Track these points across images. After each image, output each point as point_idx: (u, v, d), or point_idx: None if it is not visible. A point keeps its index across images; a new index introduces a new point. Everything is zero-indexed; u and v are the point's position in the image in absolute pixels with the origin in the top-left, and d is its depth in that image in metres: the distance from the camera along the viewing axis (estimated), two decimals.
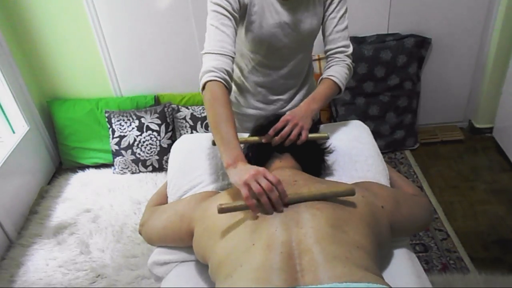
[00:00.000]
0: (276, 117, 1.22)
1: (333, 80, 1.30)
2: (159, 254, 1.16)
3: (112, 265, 2.01)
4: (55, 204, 2.43)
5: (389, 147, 2.64)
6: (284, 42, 1.30)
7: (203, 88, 1.13)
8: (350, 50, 1.34)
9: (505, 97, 2.47)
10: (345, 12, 1.30)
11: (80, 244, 2.14)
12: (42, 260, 2.08)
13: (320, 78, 1.34)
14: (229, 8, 1.16)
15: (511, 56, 2.40)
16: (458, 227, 2.08)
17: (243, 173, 0.93)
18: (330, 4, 1.29)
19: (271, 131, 1.17)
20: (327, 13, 1.30)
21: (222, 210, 0.92)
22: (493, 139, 2.63)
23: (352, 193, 0.94)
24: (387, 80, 2.49)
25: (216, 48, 1.14)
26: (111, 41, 2.51)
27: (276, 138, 1.16)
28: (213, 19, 1.16)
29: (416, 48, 2.46)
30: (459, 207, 2.21)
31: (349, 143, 1.33)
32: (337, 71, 1.31)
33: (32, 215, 2.37)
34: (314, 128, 1.27)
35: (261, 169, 0.93)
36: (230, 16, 1.16)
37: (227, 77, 1.13)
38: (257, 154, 1.18)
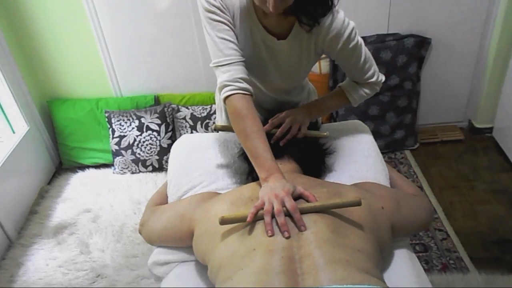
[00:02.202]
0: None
1: (345, 94, 1.27)
2: (159, 254, 1.16)
3: (112, 265, 2.01)
4: (55, 204, 2.43)
5: (389, 147, 2.64)
6: (262, 78, 1.26)
7: (225, 103, 1.12)
8: (374, 78, 1.24)
9: (505, 97, 2.47)
10: (361, 51, 1.18)
11: (80, 244, 2.14)
12: (42, 260, 2.08)
13: (338, 85, 1.30)
14: (221, 12, 1.10)
15: (511, 56, 2.40)
16: (458, 227, 2.08)
17: (266, 190, 0.95)
18: (338, 54, 1.18)
19: (268, 126, 1.16)
20: (339, 61, 1.22)
21: (223, 222, 0.92)
22: (493, 139, 2.63)
23: (358, 203, 0.92)
24: (387, 80, 2.49)
25: (222, 59, 1.10)
26: (111, 41, 2.51)
27: (277, 133, 1.15)
28: (208, 27, 1.11)
29: (416, 48, 2.46)
30: (459, 207, 2.21)
31: (349, 143, 1.33)
32: (355, 87, 1.26)
33: (32, 215, 2.37)
34: (314, 128, 1.27)
35: (281, 193, 0.92)
36: (224, 20, 1.11)
37: (242, 85, 1.09)
38: None
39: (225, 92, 1.09)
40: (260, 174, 1.01)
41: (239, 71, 1.09)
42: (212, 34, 1.11)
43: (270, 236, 0.88)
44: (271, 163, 1.01)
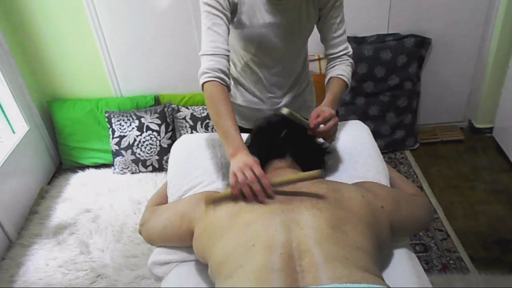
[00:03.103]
0: (276, 118, 1.23)
1: (342, 79, 1.32)
2: (159, 254, 1.16)
3: (112, 265, 2.01)
4: (55, 204, 2.43)
5: (389, 147, 2.64)
6: (274, 42, 1.31)
7: (203, 89, 1.19)
8: (350, 50, 1.36)
9: (505, 97, 2.47)
10: (343, 16, 1.32)
11: (80, 244, 2.14)
12: (42, 260, 2.08)
13: (329, 77, 1.35)
14: (219, 7, 1.18)
15: (511, 56, 2.40)
16: (458, 227, 2.08)
17: (235, 163, 1.02)
18: (328, 10, 1.29)
19: (320, 119, 1.13)
20: (326, 19, 1.31)
21: (209, 201, 0.98)
22: (493, 139, 2.63)
23: (318, 175, 0.98)
24: (387, 80, 2.49)
25: (209, 49, 1.18)
26: (111, 41, 2.51)
27: (324, 127, 1.15)
28: (205, 19, 1.20)
29: (416, 48, 2.46)
30: (459, 207, 2.21)
31: (349, 143, 1.33)
32: (344, 69, 1.34)
33: (32, 215, 2.37)
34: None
35: (250, 161, 1.00)
36: (221, 15, 1.19)
37: (221, 75, 1.17)
38: (257, 156, 1.17)
39: (204, 78, 1.17)
40: (228, 149, 1.08)
41: (221, 63, 1.17)
42: (207, 24, 1.19)
43: (254, 200, 0.96)
44: (239, 142, 1.08)
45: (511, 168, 2.43)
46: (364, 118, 2.51)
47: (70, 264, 2.04)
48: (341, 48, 1.34)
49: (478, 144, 2.66)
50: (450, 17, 2.44)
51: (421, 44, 2.48)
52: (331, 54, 1.36)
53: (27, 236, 2.22)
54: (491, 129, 2.67)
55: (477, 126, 2.72)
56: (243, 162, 1.01)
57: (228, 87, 1.20)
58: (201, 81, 1.18)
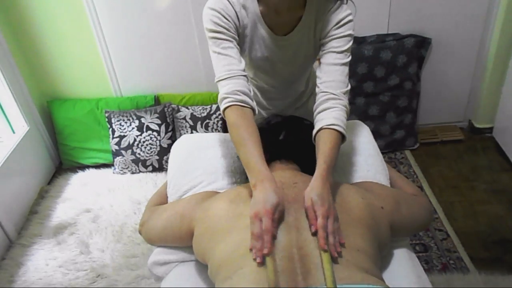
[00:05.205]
0: (276, 119, 1.23)
1: (337, 130, 1.07)
2: (159, 254, 1.17)
3: (112, 265, 2.01)
4: (55, 204, 2.43)
5: (389, 147, 2.64)
6: (271, 73, 1.30)
7: (224, 116, 1.12)
8: (347, 88, 1.14)
9: (505, 97, 2.47)
10: (348, 49, 1.16)
11: (80, 244, 2.14)
12: (42, 260, 2.08)
13: (319, 127, 1.09)
14: (225, 31, 1.13)
15: (511, 56, 2.40)
16: (458, 227, 2.08)
17: (253, 202, 0.92)
18: (330, 41, 1.16)
19: (321, 233, 0.87)
20: (326, 48, 1.17)
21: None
22: (493, 139, 2.63)
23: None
24: (387, 80, 2.49)
25: (224, 74, 1.11)
26: (111, 41, 2.51)
27: (330, 241, 0.88)
28: (213, 45, 1.14)
29: (416, 48, 2.46)
30: (459, 207, 2.21)
31: (349, 143, 1.34)
32: (336, 117, 1.09)
33: (32, 215, 2.37)
34: (310, 132, 1.23)
35: (261, 208, 0.89)
36: (230, 38, 1.13)
37: (242, 97, 1.09)
38: None
39: (224, 104, 1.09)
40: (251, 180, 0.98)
41: (238, 85, 1.10)
42: (216, 50, 1.13)
43: (258, 262, 0.83)
44: (260, 168, 0.97)
45: (511, 168, 2.43)
46: (364, 118, 2.51)
47: (70, 264, 2.04)
48: (335, 78, 1.13)
49: (478, 144, 2.66)
50: (450, 17, 2.43)
51: (421, 44, 2.48)
52: (322, 83, 1.14)
53: (27, 236, 2.22)
54: (491, 129, 2.67)
55: (477, 126, 2.72)
56: (254, 211, 0.89)
57: (252, 109, 1.10)
58: (222, 107, 1.10)
